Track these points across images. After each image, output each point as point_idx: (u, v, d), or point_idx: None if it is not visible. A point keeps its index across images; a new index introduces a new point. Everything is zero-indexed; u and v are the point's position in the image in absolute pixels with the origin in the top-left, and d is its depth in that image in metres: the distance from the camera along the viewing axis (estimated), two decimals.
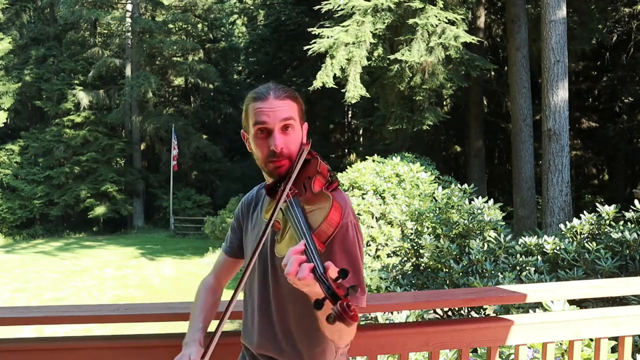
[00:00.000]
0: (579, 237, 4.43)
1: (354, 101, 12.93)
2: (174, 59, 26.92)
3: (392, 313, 3.09)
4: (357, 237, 1.25)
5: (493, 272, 4.14)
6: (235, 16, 30.41)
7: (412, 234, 5.71)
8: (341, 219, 1.13)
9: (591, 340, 2.18)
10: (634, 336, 2.43)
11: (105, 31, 29.55)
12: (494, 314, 3.47)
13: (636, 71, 15.80)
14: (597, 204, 4.66)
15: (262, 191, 1.48)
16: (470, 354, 2.18)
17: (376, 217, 7.45)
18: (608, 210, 4.35)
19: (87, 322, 1.92)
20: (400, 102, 13.52)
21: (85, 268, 13.47)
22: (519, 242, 4.50)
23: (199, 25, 28.99)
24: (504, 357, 2.40)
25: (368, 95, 13.21)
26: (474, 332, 1.85)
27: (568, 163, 9.89)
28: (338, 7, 12.84)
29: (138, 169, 26.82)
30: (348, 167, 8.77)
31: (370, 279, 5.06)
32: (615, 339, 2.02)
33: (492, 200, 5.25)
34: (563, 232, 4.65)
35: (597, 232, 4.40)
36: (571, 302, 2.51)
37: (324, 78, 12.51)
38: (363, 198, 7.66)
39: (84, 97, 25.08)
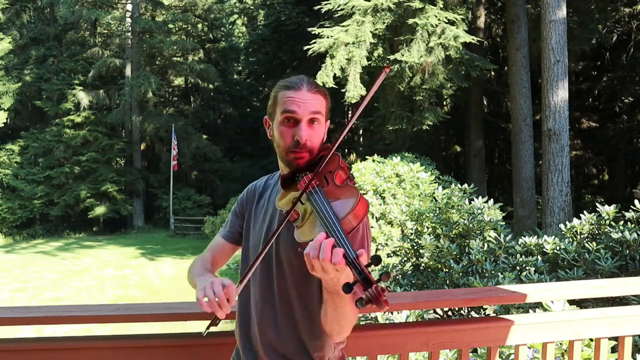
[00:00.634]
0: (579, 237, 4.43)
1: (354, 101, 12.93)
2: (174, 59, 26.93)
3: (392, 313, 3.09)
4: (369, 236, 1.30)
5: (493, 272, 4.15)
6: (235, 16, 30.42)
7: (412, 234, 5.71)
8: (365, 214, 1.14)
9: (591, 340, 2.18)
10: (634, 336, 2.43)
11: (105, 31, 29.55)
12: (494, 314, 3.47)
13: (636, 71, 15.80)
14: (597, 204, 4.66)
15: (271, 182, 1.48)
16: (470, 354, 2.18)
17: (376, 217, 7.45)
18: (608, 210, 4.35)
19: (87, 322, 1.92)
20: (400, 102, 13.52)
21: (85, 268, 13.47)
22: (519, 242, 4.50)
23: (199, 25, 28.99)
24: (504, 357, 2.40)
25: None
26: (474, 332, 1.85)
27: (568, 163, 9.89)
28: (338, 7, 12.84)
29: (138, 169, 26.82)
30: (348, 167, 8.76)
31: None
32: (615, 339, 2.02)
33: (492, 200, 5.25)
34: (563, 232, 4.65)
35: (597, 232, 4.40)
36: (571, 302, 2.51)
37: (324, 78, 12.51)
38: None
39: (84, 97, 25.08)
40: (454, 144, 22.30)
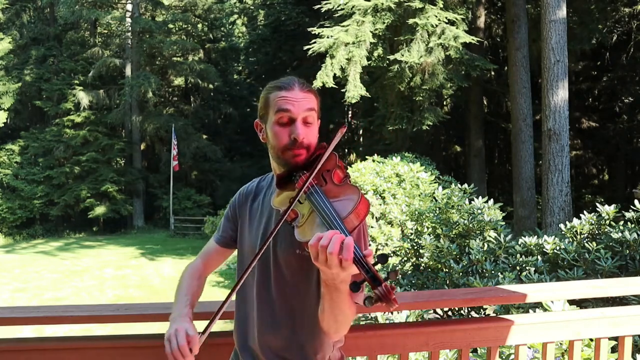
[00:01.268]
0: (579, 237, 4.43)
1: (354, 101, 12.93)
2: (174, 59, 26.92)
3: (392, 313, 3.09)
4: (366, 235, 1.31)
5: (493, 272, 4.14)
6: (235, 16, 30.42)
7: (412, 234, 5.71)
8: (367, 214, 1.14)
9: (591, 340, 2.18)
10: (634, 336, 2.43)
11: (105, 31, 29.54)
12: (494, 314, 3.47)
13: (636, 71, 15.80)
14: (597, 204, 4.66)
15: (263, 184, 1.48)
16: (470, 354, 2.18)
17: (376, 217, 7.45)
18: (608, 210, 4.35)
19: (87, 322, 1.92)
20: (400, 102, 13.52)
21: (85, 268, 13.47)
22: (519, 242, 4.50)
23: (199, 25, 28.98)
24: (504, 357, 2.40)
25: (368, 95, 13.20)
26: (474, 332, 1.85)
27: (568, 163, 9.89)
28: (338, 6, 12.84)
29: (138, 169, 26.82)
30: (348, 167, 8.76)
31: None
32: (615, 339, 2.02)
33: (492, 200, 5.25)
34: (563, 232, 4.65)
35: (597, 232, 4.40)
36: (571, 302, 2.51)
37: (324, 78, 12.51)
38: None
39: (84, 97, 25.07)
40: (454, 144, 22.30)
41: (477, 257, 4.29)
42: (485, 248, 4.56)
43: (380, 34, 12.70)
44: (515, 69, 12.55)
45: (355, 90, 12.60)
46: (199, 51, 27.40)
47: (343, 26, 12.51)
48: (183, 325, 1.27)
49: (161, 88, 26.76)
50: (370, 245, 6.94)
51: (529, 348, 2.15)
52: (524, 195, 12.14)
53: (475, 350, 2.37)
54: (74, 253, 16.69)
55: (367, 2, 12.45)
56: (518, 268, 4.24)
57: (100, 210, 24.27)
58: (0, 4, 25.02)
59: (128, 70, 26.17)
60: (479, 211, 4.99)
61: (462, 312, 4.02)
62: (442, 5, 12.24)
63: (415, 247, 5.16)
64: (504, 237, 4.57)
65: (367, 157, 9.22)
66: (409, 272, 5.07)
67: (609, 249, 3.96)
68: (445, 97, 17.72)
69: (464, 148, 19.98)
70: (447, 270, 4.46)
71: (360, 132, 24.41)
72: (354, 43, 12.35)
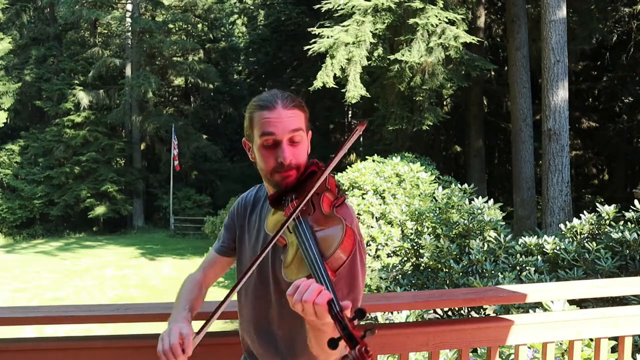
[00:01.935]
0: (579, 237, 4.43)
1: (354, 101, 12.93)
2: (174, 59, 26.92)
3: (392, 313, 3.08)
4: (362, 257, 1.24)
5: (493, 272, 4.14)
6: (235, 16, 30.41)
7: (412, 234, 5.71)
8: (354, 245, 1.10)
9: (591, 340, 2.18)
10: (634, 336, 2.43)
11: (105, 31, 29.55)
12: (494, 314, 3.47)
13: (636, 71, 15.81)
14: (597, 204, 4.66)
15: (261, 194, 1.45)
16: (470, 354, 2.18)
17: (376, 217, 7.45)
18: (608, 210, 4.35)
19: (87, 322, 1.93)
20: (400, 102, 13.52)
21: (85, 268, 13.47)
22: (519, 242, 4.49)
23: (199, 25, 28.97)
24: (504, 357, 2.39)
25: (368, 95, 13.20)
26: (474, 332, 1.85)
27: (568, 163, 9.89)
28: (338, 6, 12.84)
29: (138, 169, 26.82)
30: (348, 167, 8.76)
31: (370, 278, 5.06)
32: (615, 339, 2.02)
33: (492, 200, 5.25)
34: (563, 232, 4.65)
35: (597, 232, 4.40)
36: (571, 302, 2.51)
37: (324, 78, 12.51)
38: (363, 198, 7.65)
39: (84, 97, 25.08)
40: (454, 144, 22.30)
41: (477, 257, 4.28)
42: (485, 248, 4.56)
43: (381, 34, 12.70)
44: (515, 69, 12.55)
45: (355, 90, 12.60)
46: (199, 51, 27.40)
47: (343, 26, 12.51)
48: (178, 326, 1.25)
49: (161, 88, 26.76)
50: (368, 246, 6.91)
51: (529, 348, 2.15)
52: (524, 195, 12.14)
53: (475, 350, 2.37)
54: (74, 253, 16.70)
55: (367, 2, 12.45)
56: (518, 268, 4.24)
57: (100, 210, 24.27)
58: (0, 4, 25.02)
59: (128, 70, 26.17)
60: (479, 211, 4.99)
61: (462, 312, 4.02)
62: (442, 5, 12.24)
63: (415, 247, 5.16)
64: (504, 237, 4.57)
65: (367, 157, 9.22)
66: (409, 272, 5.07)
67: (609, 249, 3.96)
68: (445, 97, 17.73)
69: (464, 148, 19.98)
70: (447, 270, 4.46)
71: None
72: (354, 43, 12.36)
